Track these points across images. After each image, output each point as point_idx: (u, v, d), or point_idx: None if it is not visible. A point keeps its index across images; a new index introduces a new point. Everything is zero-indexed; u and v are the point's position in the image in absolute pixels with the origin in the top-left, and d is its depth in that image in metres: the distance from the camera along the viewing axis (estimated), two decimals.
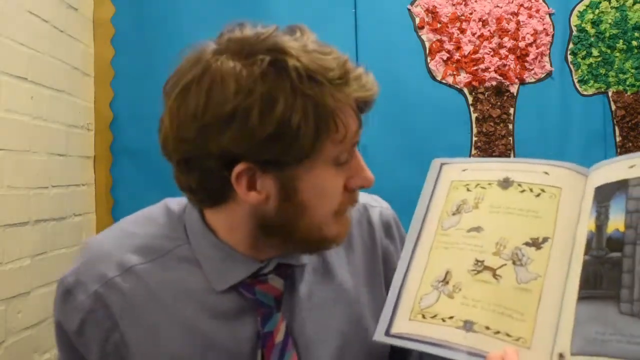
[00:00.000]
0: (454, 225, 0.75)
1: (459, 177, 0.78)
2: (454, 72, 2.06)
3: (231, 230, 0.74)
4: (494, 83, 2.05)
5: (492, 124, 2.05)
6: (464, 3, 2.06)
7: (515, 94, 2.06)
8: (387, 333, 0.70)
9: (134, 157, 2.04)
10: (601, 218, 0.66)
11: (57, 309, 0.76)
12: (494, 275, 0.69)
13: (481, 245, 0.71)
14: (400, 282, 0.73)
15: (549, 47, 2.05)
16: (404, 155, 2.00)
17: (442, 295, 0.70)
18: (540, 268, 0.67)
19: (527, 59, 2.04)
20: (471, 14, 2.06)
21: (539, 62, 2.05)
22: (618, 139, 2.02)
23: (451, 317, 0.68)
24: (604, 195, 0.67)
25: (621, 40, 2.02)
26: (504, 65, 2.05)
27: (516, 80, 2.05)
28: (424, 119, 2.04)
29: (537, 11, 2.05)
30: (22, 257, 1.56)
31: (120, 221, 0.81)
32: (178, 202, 0.80)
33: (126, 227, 0.79)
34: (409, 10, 2.07)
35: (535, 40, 2.04)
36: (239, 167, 0.66)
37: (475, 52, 2.05)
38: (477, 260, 0.70)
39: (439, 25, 2.06)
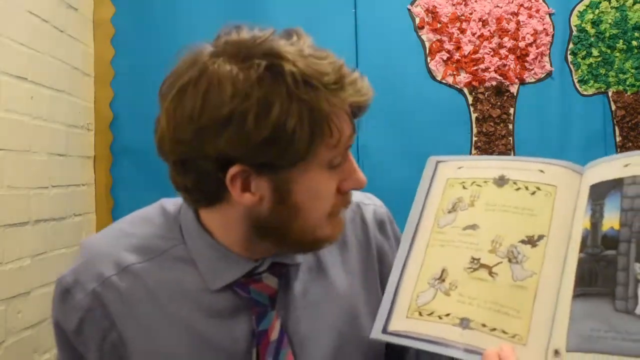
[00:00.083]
0: (449, 223, 0.75)
1: (455, 174, 0.79)
2: (454, 72, 2.06)
3: (226, 231, 0.75)
4: (494, 83, 2.05)
5: (492, 124, 2.05)
6: (464, 3, 2.06)
7: (515, 94, 2.06)
8: (384, 331, 0.71)
9: (134, 157, 2.04)
10: (596, 216, 0.66)
11: (55, 309, 0.76)
12: (490, 273, 0.69)
13: (477, 243, 0.72)
14: (397, 279, 0.74)
15: (549, 47, 2.05)
16: (403, 155, 2.00)
17: (439, 292, 0.71)
18: (536, 266, 0.68)
19: (527, 59, 2.04)
20: (471, 14, 2.06)
21: (539, 62, 2.05)
22: (618, 139, 2.02)
23: (448, 315, 0.69)
24: (599, 193, 0.68)
25: (621, 40, 2.02)
26: (504, 65, 2.05)
27: (516, 80, 2.05)
28: (424, 119, 2.04)
29: (537, 11, 2.05)
30: (22, 257, 1.56)
31: (117, 222, 0.82)
32: (174, 203, 0.81)
33: (123, 228, 0.79)
34: (409, 10, 2.07)
35: (535, 40, 2.04)
36: (233, 169, 0.66)
37: (475, 52, 2.05)
38: (473, 258, 0.71)
39: (439, 25, 2.06)
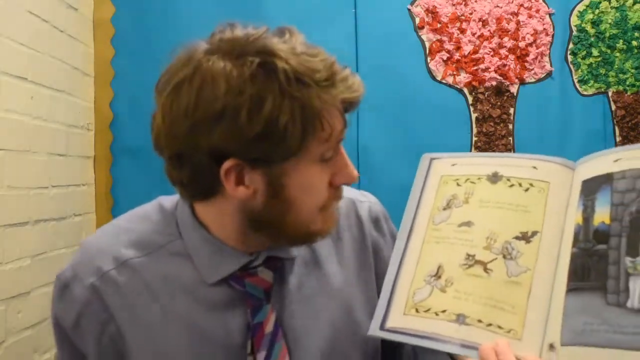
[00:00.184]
0: (444, 220, 0.76)
1: (449, 171, 0.80)
2: (454, 72, 2.06)
3: (221, 225, 0.76)
4: (494, 83, 2.05)
5: (492, 124, 2.05)
6: (464, 3, 2.06)
7: (515, 94, 2.06)
8: (382, 327, 0.72)
9: (134, 157, 2.04)
10: (588, 211, 0.67)
11: (54, 304, 0.78)
12: (485, 269, 0.70)
13: (472, 239, 0.73)
14: (394, 277, 0.75)
15: (549, 47, 2.05)
16: (403, 155, 2.00)
17: (435, 289, 0.72)
18: (530, 261, 0.69)
19: (527, 59, 2.04)
20: (471, 14, 2.06)
21: (539, 62, 2.05)
22: (618, 139, 2.02)
23: (444, 311, 0.70)
24: (591, 188, 0.69)
25: (621, 40, 2.02)
26: (504, 65, 2.05)
27: (516, 80, 2.05)
28: (424, 119, 2.04)
29: (537, 11, 2.05)
30: (22, 257, 1.56)
31: (115, 219, 0.83)
32: (171, 200, 0.82)
33: (121, 224, 0.81)
34: (409, 10, 2.07)
35: (535, 40, 2.04)
36: (227, 163, 0.68)
37: (475, 52, 2.05)
38: (468, 255, 0.72)
39: (439, 25, 2.06)
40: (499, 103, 2.05)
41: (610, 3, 2.04)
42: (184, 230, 0.78)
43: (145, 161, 2.01)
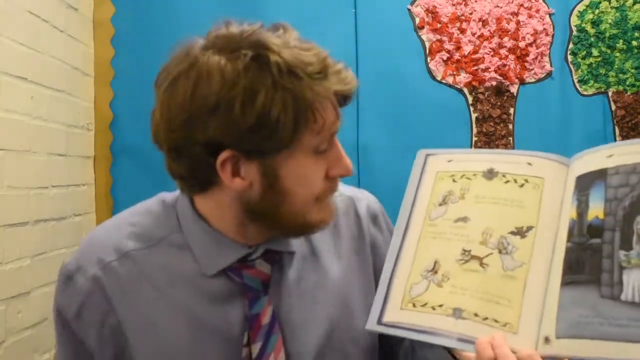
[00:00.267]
0: (441, 215, 0.77)
1: (445, 167, 0.81)
2: (454, 72, 2.06)
3: (220, 216, 0.78)
4: (494, 83, 2.05)
5: (492, 124, 2.05)
6: (464, 3, 2.06)
7: (515, 94, 2.06)
8: (379, 322, 0.73)
9: (134, 157, 2.04)
10: (582, 206, 0.69)
11: (57, 295, 0.79)
12: (481, 264, 0.71)
13: (468, 235, 0.74)
14: (390, 272, 0.76)
15: (549, 47, 2.05)
16: (403, 154, 1.99)
17: (432, 284, 0.73)
18: (525, 256, 0.70)
19: (527, 59, 2.04)
20: (471, 14, 2.06)
21: (539, 62, 2.05)
22: (618, 139, 2.02)
23: (441, 305, 0.71)
24: (585, 184, 0.70)
25: (621, 40, 2.02)
26: (504, 65, 2.05)
27: (516, 80, 2.05)
28: (424, 119, 2.04)
29: (537, 11, 2.05)
30: (22, 257, 1.56)
31: (119, 213, 0.85)
32: (172, 195, 0.84)
33: (123, 218, 0.83)
34: (409, 10, 2.07)
35: (535, 40, 2.04)
36: (223, 155, 0.70)
37: (475, 52, 2.05)
38: (465, 250, 0.73)
39: (439, 25, 2.06)
40: (499, 103, 2.06)
41: (610, 3, 2.04)
42: (184, 223, 0.80)
43: (145, 161, 2.01)
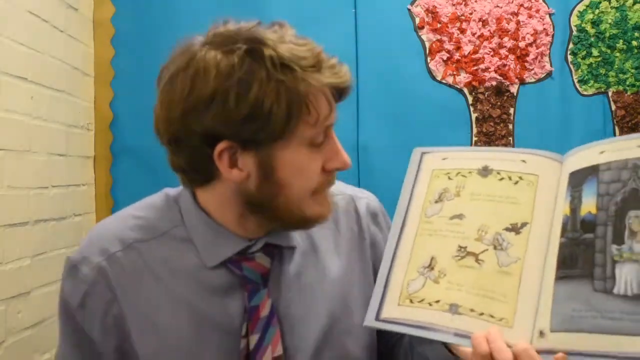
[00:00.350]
0: (436, 212, 0.78)
1: (440, 165, 0.82)
2: (454, 72, 2.06)
3: (220, 209, 0.80)
4: (494, 83, 2.05)
5: (492, 124, 2.05)
6: (464, 3, 2.06)
7: (515, 94, 2.06)
8: (377, 318, 0.74)
9: (134, 157, 2.04)
10: (575, 202, 0.70)
11: (63, 285, 0.81)
12: (477, 260, 0.73)
13: (463, 231, 0.75)
14: (388, 269, 0.77)
15: (549, 47, 2.05)
16: (404, 154, 1.98)
17: (428, 280, 0.74)
18: (520, 252, 0.71)
19: (527, 59, 2.04)
20: (471, 14, 2.06)
21: (539, 62, 2.05)
22: None
23: (437, 301, 0.72)
24: (578, 180, 0.71)
25: (621, 40, 2.02)
26: (504, 65, 2.05)
27: (516, 80, 2.05)
28: (424, 119, 2.04)
29: (537, 11, 2.05)
30: (22, 257, 1.56)
31: (124, 208, 0.87)
32: (176, 190, 0.86)
33: (129, 211, 0.85)
34: (409, 10, 2.07)
35: (535, 40, 2.04)
36: (220, 146, 0.72)
37: (475, 52, 2.05)
38: (460, 247, 0.74)
39: (439, 25, 2.06)
40: (499, 103, 2.05)
41: (610, 3, 2.04)
42: (186, 217, 0.82)
43: (145, 161, 2.01)
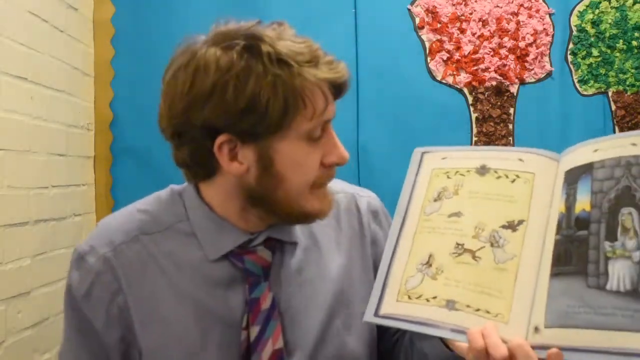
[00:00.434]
0: (435, 210, 0.79)
1: (440, 165, 0.83)
2: (454, 72, 2.06)
3: (223, 203, 0.82)
4: (494, 83, 2.05)
5: (492, 124, 2.05)
6: (464, 3, 2.06)
7: (515, 94, 2.06)
8: (376, 314, 0.75)
9: (134, 157, 2.04)
10: (570, 199, 0.71)
11: (69, 275, 0.83)
12: (474, 257, 0.74)
13: (461, 229, 0.76)
14: (387, 266, 0.78)
15: (549, 47, 2.05)
16: (403, 154, 1.98)
17: (426, 277, 0.75)
18: (516, 249, 0.72)
19: (527, 59, 2.04)
20: (471, 14, 2.05)
21: (539, 62, 2.05)
22: None
23: (435, 297, 0.73)
24: (573, 178, 0.72)
25: (621, 40, 2.02)
26: (504, 65, 2.05)
27: (516, 80, 2.05)
28: (423, 119, 2.04)
29: (537, 11, 2.05)
30: (22, 257, 1.56)
31: (132, 203, 0.90)
32: (181, 186, 0.88)
33: (136, 206, 0.88)
34: (409, 10, 2.07)
35: (535, 40, 2.04)
36: (220, 138, 0.75)
37: (475, 52, 2.05)
38: (458, 244, 0.75)
39: (439, 25, 2.06)
40: (499, 103, 2.05)
41: (610, 3, 2.04)
42: (190, 211, 0.84)
43: (145, 161, 2.01)
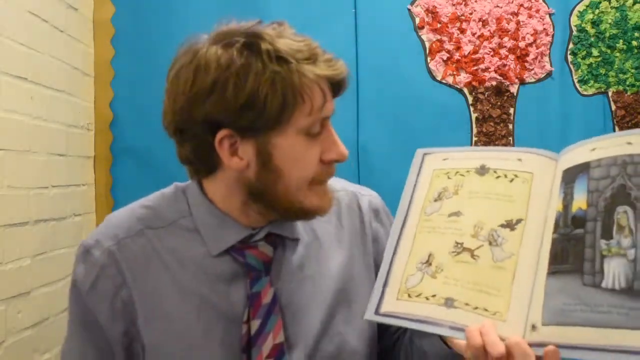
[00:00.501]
0: (436, 210, 0.80)
1: (440, 165, 0.84)
2: (454, 72, 2.06)
3: (225, 199, 0.84)
4: (494, 83, 2.05)
5: (492, 124, 2.05)
6: (464, 3, 2.06)
7: (515, 94, 2.06)
8: (377, 312, 0.76)
9: (134, 157, 2.04)
10: (567, 198, 0.71)
11: (75, 269, 0.85)
12: (472, 256, 0.74)
13: (460, 228, 0.77)
14: (388, 265, 0.79)
15: (549, 47, 2.05)
16: (403, 155, 1.98)
17: (426, 275, 0.76)
18: (514, 247, 0.73)
19: (527, 59, 2.04)
20: (471, 14, 2.05)
21: (539, 62, 2.05)
22: None
23: (434, 296, 0.74)
24: (570, 177, 0.73)
25: (621, 40, 2.02)
26: (504, 65, 2.04)
27: (516, 80, 2.05)
28: (424, 119, 2.04)
29: (537, 11, 2.05)
30: (22, 257, 1.56)
31: (137, 200, 0.91)
32: (185, 183, 0.90)
33: (140, 202, 0.89)
34: (409, 10, 2.07)
35: (535, 40, 2.04)
36: (221, 133, 0.77)
37: (475, 52, 2.05)
38: (457, 243, 0.76)
39: (439, 25, 2.06)
40: (499, 103, 2.05)
41: (610, 3, 2.04)
42: (193, 207, 0.86)
43: (145, 161, 2.01)
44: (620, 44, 2.02)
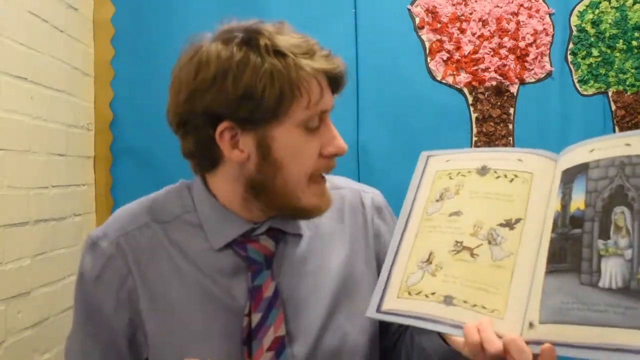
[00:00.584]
0: (437, 210, 0.82)
1: (443, 167, 0.86)
2: (454, 72, 2.06)
3: (227, 193, 0.86)
4: (494, 83, 2.05)
5: (492, 124, 2.05)
6: (464, 3, 2.06)
7: (515, 94, 2.06)
8: (378, 310, 0.77)
9: (134, 157, 2.04)
10: (566, 198, 0.72)
11: (82, 260, 0.87)
12: (472, 254, 0.75)
13: (460, 227, 0.78)
14: (390, 264, 0.80)
15: (549, 47, 2.05)
16: (403, 155, 2.00)
17: (426, 274, 0.77)
18: (513, 246, 0.74)
19: (527, 59, 2.04)
20: (471, 14, 2.05)
21: (539, 62, 2.05)
22: None
23: (433, 293, 0.75)
24: (569, 177, 0.74)
25: (621, 40, 2.02)
26: (504, 65, 2.04)
27: (516, 80, 2.05)
28: (424, 119, 2.04)
29: (537, 11, 2.05)
30: (22, 257, 1.56)
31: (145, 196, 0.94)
32: (191, 180, 0.92)
33: (148, 197, 0.92)
34: (409, 10, 2.07)
35: (535, 40, 2.04)
36: (221, 125, 0.79)
37: (475, 52, 2.05)
38: (457, 241, 0.77)
39: (439, 25, 2.06)
40: (499, 103, 2.05)
41: (610, 3, 2.04)
42: (197, 203, 0.88)
43: (145, 161, 2.01)
44: (620, 44, 2.02)
